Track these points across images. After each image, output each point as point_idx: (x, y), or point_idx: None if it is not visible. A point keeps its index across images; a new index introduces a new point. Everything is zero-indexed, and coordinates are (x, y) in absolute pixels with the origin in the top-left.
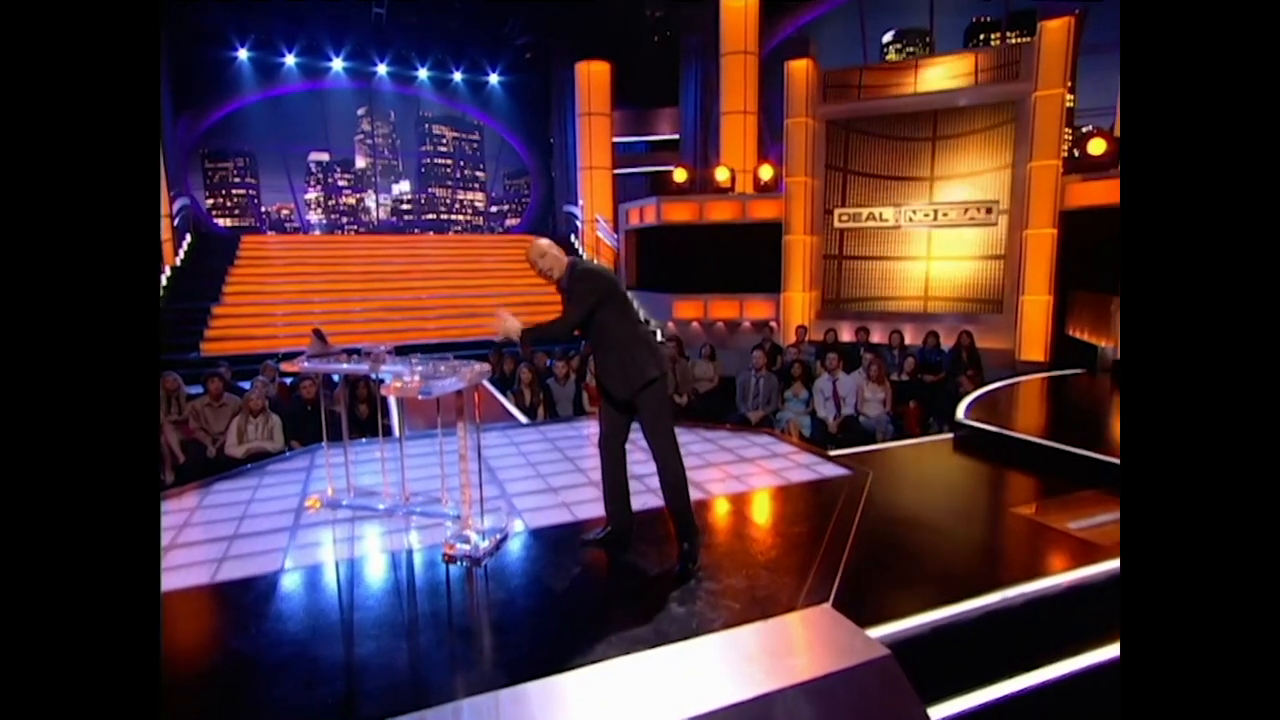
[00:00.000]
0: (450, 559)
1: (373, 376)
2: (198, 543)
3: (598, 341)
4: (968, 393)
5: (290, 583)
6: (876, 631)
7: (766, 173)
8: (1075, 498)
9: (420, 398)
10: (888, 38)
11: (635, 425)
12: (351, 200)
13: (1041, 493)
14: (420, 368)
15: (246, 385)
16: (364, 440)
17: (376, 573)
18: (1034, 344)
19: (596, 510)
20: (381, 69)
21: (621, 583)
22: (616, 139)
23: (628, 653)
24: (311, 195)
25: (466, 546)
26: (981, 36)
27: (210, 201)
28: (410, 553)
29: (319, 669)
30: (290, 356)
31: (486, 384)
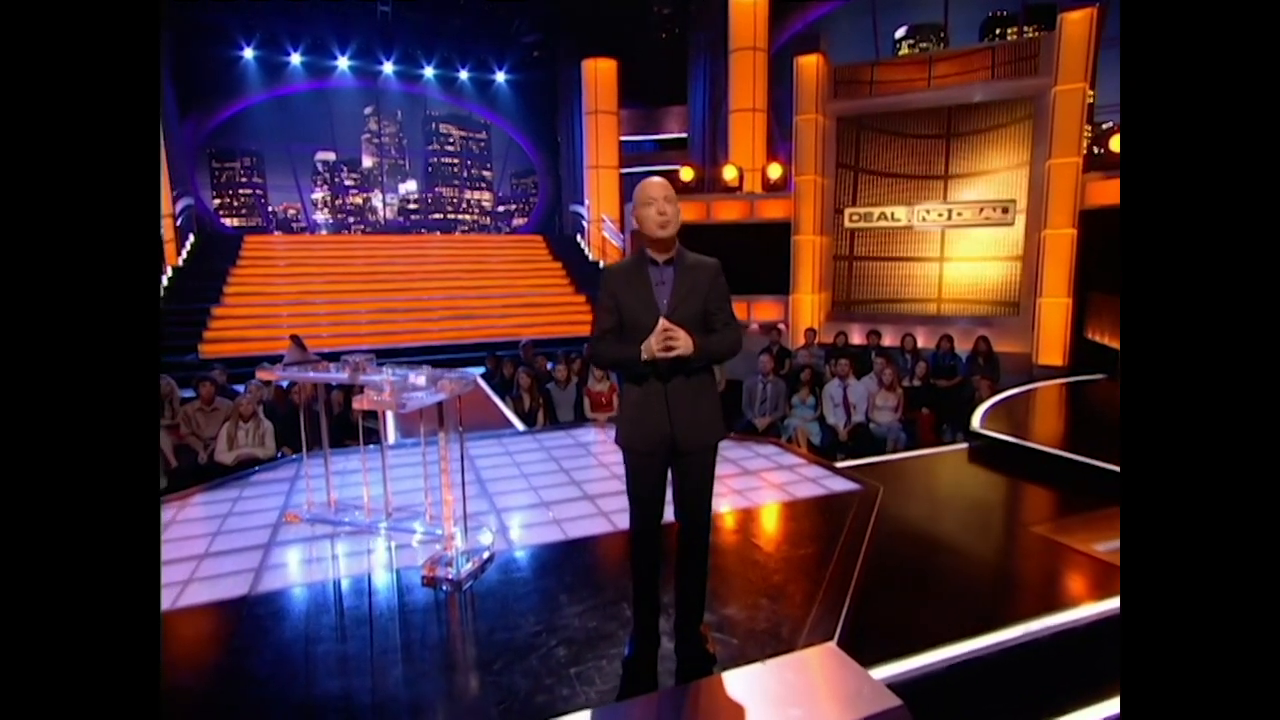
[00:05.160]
0: (430, 582)
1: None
2: (164, 563)
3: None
4: (984, 398)
5: (256, 610)
6: (886, 670)
7: (775, 171)
8: (1100, 515)
9: (400, 411)
10: (900, 33)
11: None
12: (358, 200)
13: (1063, 510)
14: (398, 378)
15: (241, 389)
16: (351, 449)
17: (349, 598)
18: (1052, 348)
19: (589, 528)
20: (387, 68)
21: (611, 613)
22: (624, 138)
23: (616, 698)
24: (318, 195)
25: (448, 569)
26: (998, 31)
27: (217, 201)
28: (388, 575)
29: (272, 712)
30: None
31: (485, 387)
